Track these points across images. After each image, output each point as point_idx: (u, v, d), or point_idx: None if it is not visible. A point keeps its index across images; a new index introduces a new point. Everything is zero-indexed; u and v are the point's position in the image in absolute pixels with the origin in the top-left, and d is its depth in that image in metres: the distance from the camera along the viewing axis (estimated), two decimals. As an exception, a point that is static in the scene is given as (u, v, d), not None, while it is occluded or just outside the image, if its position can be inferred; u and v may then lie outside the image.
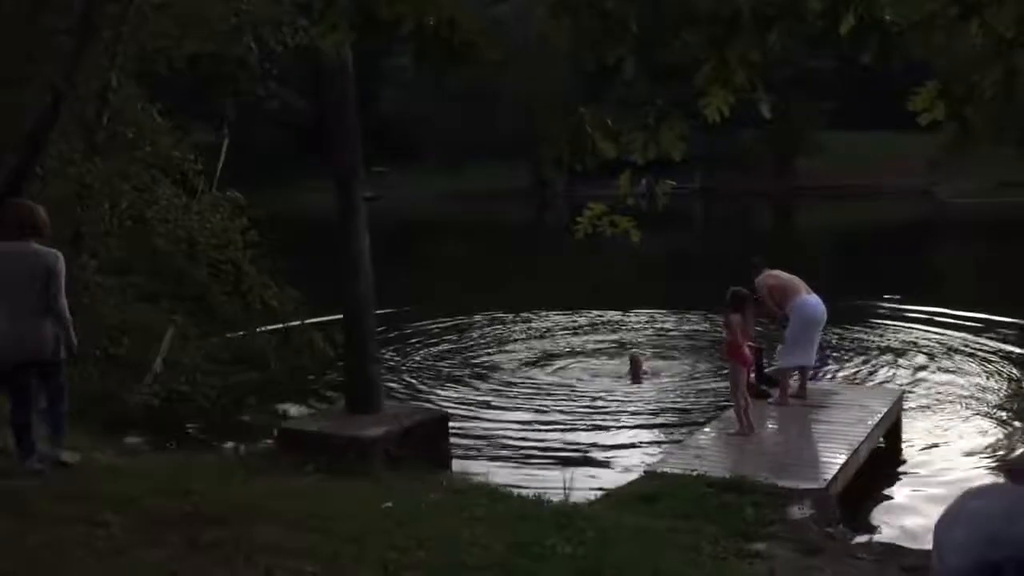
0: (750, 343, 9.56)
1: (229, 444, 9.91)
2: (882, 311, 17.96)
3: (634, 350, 13.23)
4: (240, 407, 11.76)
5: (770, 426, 9.67)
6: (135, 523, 5.48)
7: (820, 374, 12.16)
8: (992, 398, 12.08)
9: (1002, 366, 13.73)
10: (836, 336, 14.80)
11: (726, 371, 10.23)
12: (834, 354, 14.04)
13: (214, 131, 13.19)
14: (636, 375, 12.61)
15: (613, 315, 18.99)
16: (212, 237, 12.08)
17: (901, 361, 14.07)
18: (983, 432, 10.73)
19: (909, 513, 8.32)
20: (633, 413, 11.36)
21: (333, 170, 8.23)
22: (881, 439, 9.73)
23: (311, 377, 13.17)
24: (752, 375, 10.17)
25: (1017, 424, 11.08)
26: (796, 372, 10.44)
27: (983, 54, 3.10)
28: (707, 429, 9.78)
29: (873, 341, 15.43)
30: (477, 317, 18.60)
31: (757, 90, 3.33)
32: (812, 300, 10.48)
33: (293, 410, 11.50)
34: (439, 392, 12.52)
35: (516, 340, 16.34)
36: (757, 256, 10.66)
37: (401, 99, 62.57)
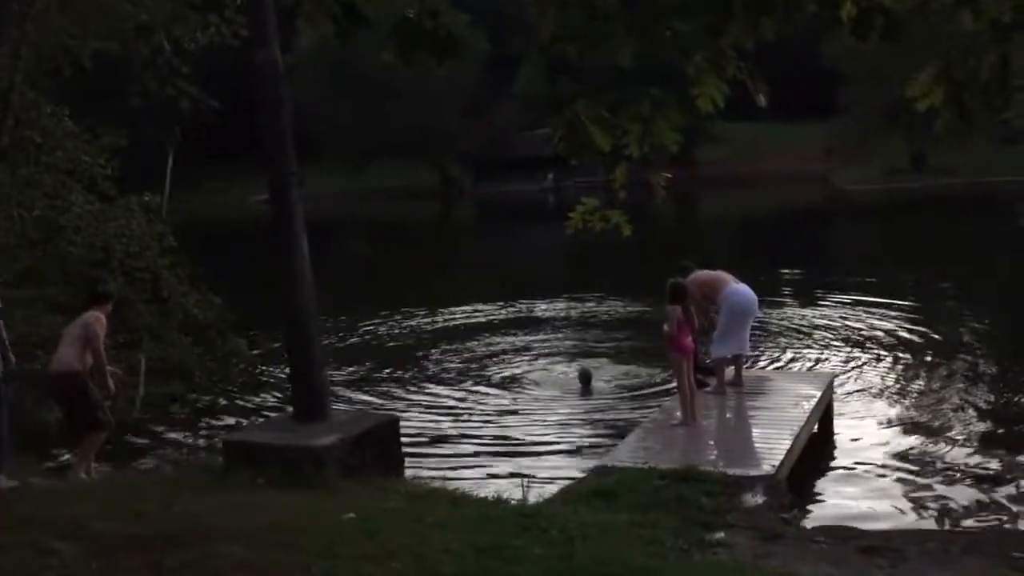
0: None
1: (162, 460, 9.50)
2: (792, 295, 18.42)
3: (583, 364, 13.03)
4: (168, 420, 11.31)
5: (710, 415, 9.74)
6: (86, 550, 5.17)
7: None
8: (909, 374, 12.50)
9: (912, 343, 14.24)
10: (759, 323, 15.09)
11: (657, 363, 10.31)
12: (760, 341, 14.32)
13: (125, 134, 12.59)
14: (587, 391, 12.33)
15: (539, 304, 19.10)
16: (128, 244, 11.58)
17: (821, 344, 14.43)
18: (904, 409, 11.07)
19: (851, 494, 8.50)
20: (575, 409, 11.35)
21: (268, 173, 7.94)
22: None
23: (238, 386, 12.77)
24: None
25: (933, 397, 11.46)
26: (731, 359, 10.58)
27: (979, 39, 3.12)
28: (650, 421, 9.83)
29: (789, 325, 15.79)
30: (400, 317, 18.44)
31: (753, 80, 3.29)
32: (741, 289, 10.64)
33: (227, 421, 11.12)
34: (379, 395, 12.30)
35: (447, 338, 16.21)
36: (686, 259, 10.74)
37: (300, 98, 61.53)
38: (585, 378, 12.30)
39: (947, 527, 7.45)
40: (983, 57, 3.09)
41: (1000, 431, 10.14)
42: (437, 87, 60.27)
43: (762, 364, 13.09)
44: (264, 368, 13.64)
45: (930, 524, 7.63)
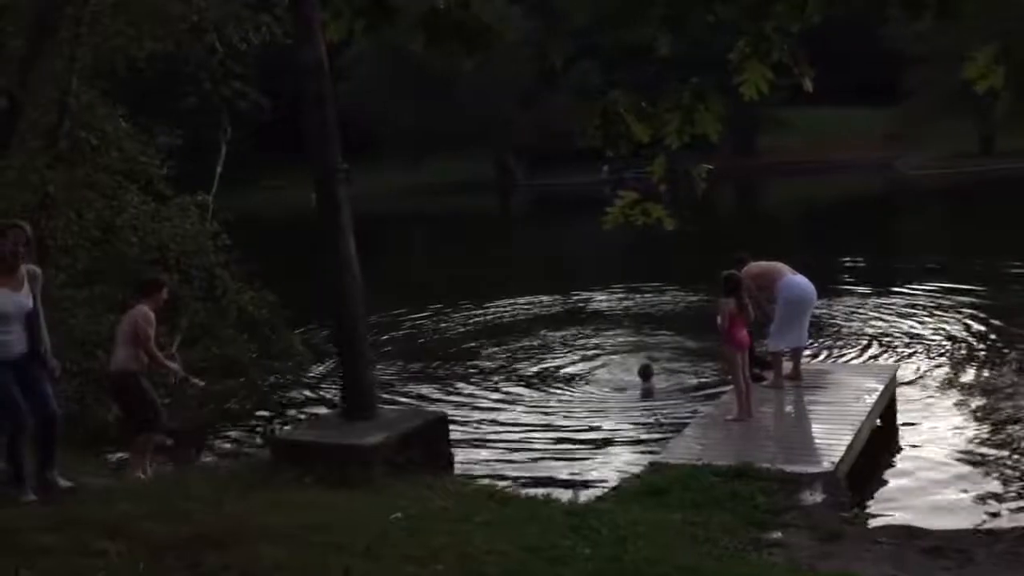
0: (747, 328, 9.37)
1: (218, 457, 9.57)
2: (853, 284, 17.94)
3: (645, 361, 12.56)
4: (224, 417, 11.41)
5: (768, 410, 9.50)
6: (134, 550, 5.17)
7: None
8: (975, 366, 12.09)
9: (978, 333, 13.78)
10: (818, 315, 14.74)
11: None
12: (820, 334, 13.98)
13: (181, 134, 12.77)
14: (648, 389, 11.92)
15: (595, 296, 18.95)
16: (183, 243, 11.71)
17: (883, 335, 14.03)
18: (972, 402, 10.70)
19: (916, 492, 8.23)
20: (631, 404, 11.18)
21: (314, 169, 7.92)
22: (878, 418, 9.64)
23: (293, 383, 12.85)
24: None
25: (1001, 391, 11.06)
26: (789, 353, 10.31)
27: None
28: (705, 416, 9.63)
29: (850, 317, 15.40)
30: (453, 311, 18.40)
31: (798, 64, 3.12)
32: (798, 280, 10.36)
33: (280, 418, 11.18)
34: (429, 392, 12.26)
35: (500, 332, 16.11)
36: (741, 251, 10.48)
37: (356, 95, 61.94)
38: (646, 374, 11.98)
39: (1017, 528, 7.13)
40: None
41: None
42: (493, 79, 60.17)
43: (822, 357, 12.76)
44: (318, 364, 13.69)
45: (999, 524, 7.31)
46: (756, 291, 10.05)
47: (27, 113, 10.06)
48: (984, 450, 9.14)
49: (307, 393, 12.62)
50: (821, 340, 13.38)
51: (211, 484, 6.64)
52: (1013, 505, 7.76)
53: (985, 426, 9.87)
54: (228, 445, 10.44)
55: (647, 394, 11.54)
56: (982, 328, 14.14)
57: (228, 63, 13.51)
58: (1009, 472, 8.53)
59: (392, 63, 60.58)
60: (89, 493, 6.35)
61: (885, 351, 13.18)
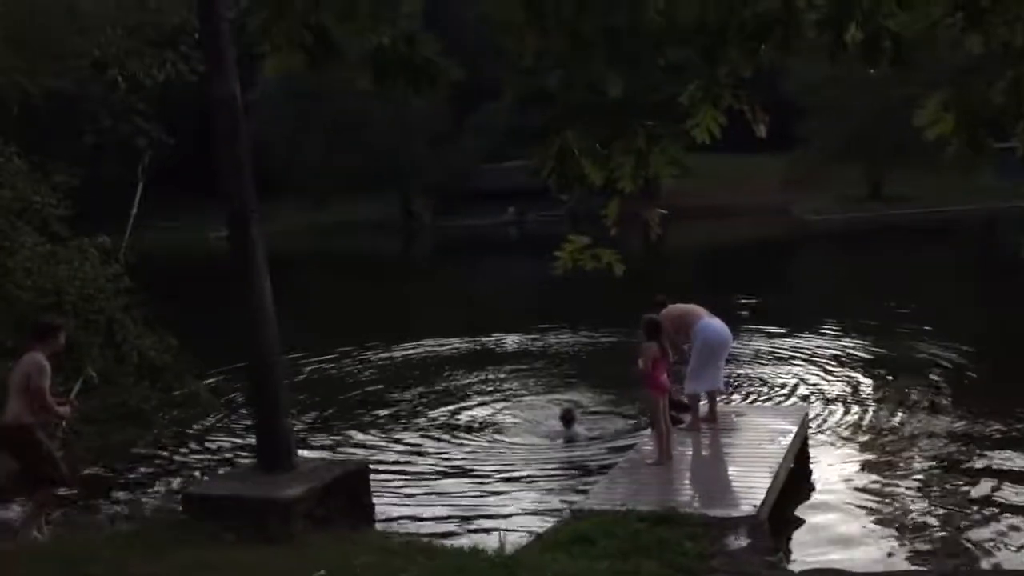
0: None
1: (119, 513, 9.06)
2: (758, 326, 18.27)
3: (567, 406, 12.25)
4: (124, 469, 10.84)
5: (687, 452, 9.52)
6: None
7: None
8: (881, 405, 12.38)
9: (880, 372, 14.17)
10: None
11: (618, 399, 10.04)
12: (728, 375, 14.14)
13: (78, 173, 12.20)
14: (571, 434, 11.59)
15: (506, 339, 18.86)
16: (81, 286, 11.16)
17: (790, 376, 14.29)
18: (878, 441, 10.92)
19: (833, 533, 8.29)
20: (548, 450, 11.03)
21: (227, 210, 7.65)
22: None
23: (200, 432, 12.32)
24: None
25: (907, 428, 11.33)
26: (705, 395, 10.38)
27: (987, 63, 2.95)
28: (625, 461, 9.58)
29: (757, 357, 15.65)
30: (360, 354, 18.06)
31: (753, 110, 3.09)
32: (714, 323, 10.48)
33: (187, 470, 10.68)
34: (339, 440, 11.89)
35: (411, 376, 15.85)
36: (660, 294, 10.56)
37: (262, 133, 61.10)
38: (568, 418, 11.69)
39: (935, 566, 7.24)
40: (994, 83, 2.93)
41: (975, 458, 10.02)
42: (399, 120, 60.19)
43: (734, 398, 12.89)
44: (225, 413, 13.19)
45: (916, 565, 7.41)
46: (673, 334, 10.10)
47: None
48: (895, 490, 9.29)
49: (216, 443, 12.09)
50: (731, 381, 13.51)
51: (116, 545, 6.24)
52: (927, 543, 7.88)
53: (894, 465, 10.06)
54: (129, 500, 9.89)
55: (570, 439, 11.36)
56: (881, 368, 14.55)
57: (131, 99, 13.07)
58: (920, 511, 8.69)
59: (294, 99, 60.08)
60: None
61: (792, 391, 13.40)
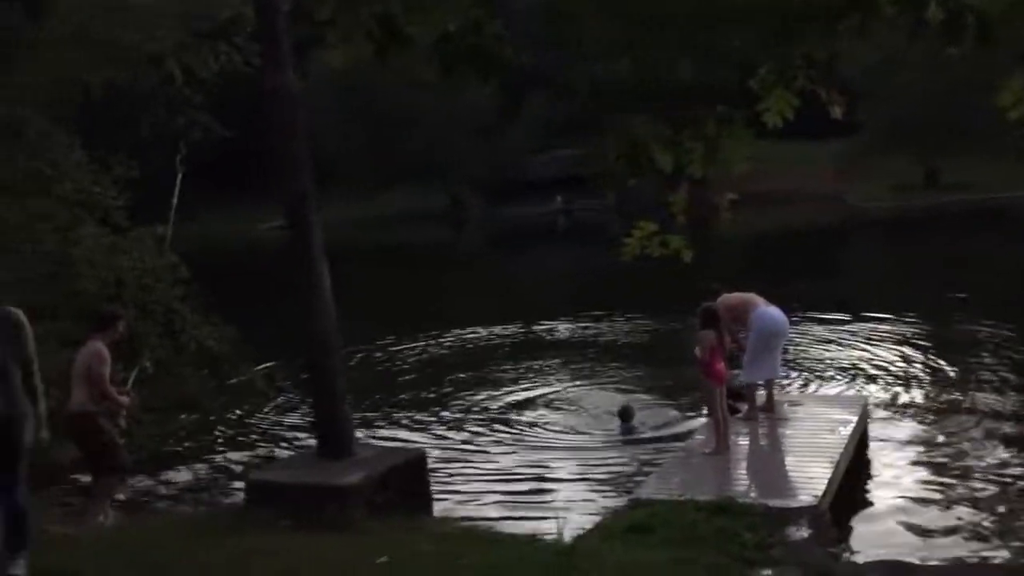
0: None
1: (179, 499, 9.19)
2: (814, 315, 18.02)
3: (625, 403, 11.90)
4: (184, 457, 11.00)
5: (744, 442, 9.42)
6: (106, 606, 4.88)
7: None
8: (943, 395, 12.14)
9: (942, 357, 13.90)
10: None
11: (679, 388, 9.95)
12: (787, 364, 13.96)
13: (136, 165, 12.39)
14: (629, 429, 11.43)
15: (560, 325, 18.81)
16: (140, 276, 11.35)
17: (849, 366, 14.08)
18: (941, 431, 10.71)
19: (896, 525, 8.14)
20: (605, 440, 10.97)
21: (285, 200, 7.71)
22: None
23: (257, 421, 12.47)
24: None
25: (971, 416, 11.11)
26: (763, 384, 10.26)
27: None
28: (681, 450, 9.51)
29: (814, 347, 15.45)
30: (414, 345, 18.13)
31: (829, 91, 3.02)
32: (771, 311, 10.34)
33: (245, 458, 10.80)
34: (394, 429, 11.96)
35: (465, 366, 15.85)
36: (715, 282, 10.43)
37: (310, 125, 61.42)
38: (626, 415, 11.49)
39: (1004, 562, 7.09)
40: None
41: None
42: (447, 110, 60.16)
43: (791, 388, 12.73)
44: (282, 402, 13.33)
45: (984, 557, 7.26)
46: (731, 322, 9.99)
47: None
48: (960, 478, 9.12)
49: (273, 430, 12.24)
50: (789, 370, 13.34)
51: (181, 532, 6.33)
52: (994, 535, 7.71)
53: (959, 453, 9.87)
54: (189, 487, 10.04)
55: (627, 434, 11.21)
56: (940, 353, 14.30)
57: (186, 91, 13.23)
58: (987, 500, 8.51)
59: (342, 92, 60.41)
60: (53, 544, 5.99)
61: (851, 380, 13.20)
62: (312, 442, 8.74)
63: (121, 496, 9.02)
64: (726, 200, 3.43)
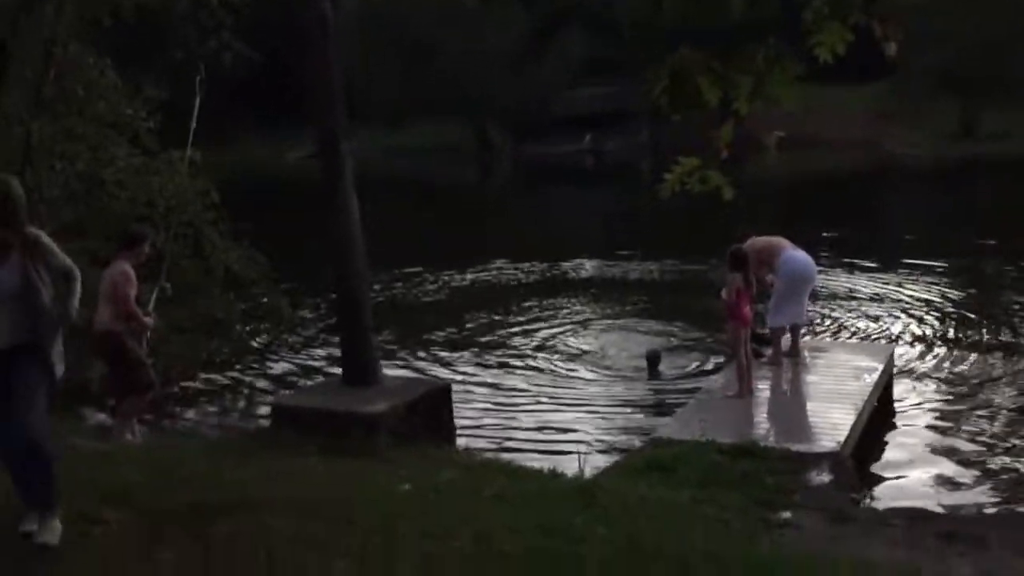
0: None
1: (205, 420, 9.33)
2: (843, 262, 17.87)
3: (652, 347, 11.82)
4: (210, 379, 11.14)
5: (767, 387, 9.40)
6: (135, 519, 4.96)
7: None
8: (970, 345, 12.06)
9: (969, 311, 13.78)
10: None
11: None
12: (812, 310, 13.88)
13: (167, 87, 12.31)
14: (655, 373, 11.36)
15: (586, 263, 18.76)
16: (170, 199, 11.35)
17: (876, 312, 13.98)
18: (967, 382, 10.64)
19: (919, 473, 8.17)
20: (625, 382, 10.98)
21: (317, 131, 7.66)
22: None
23: (282, 346, 12.58)
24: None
25: (996, 368, 11.03)
26: (788, 329, 10.20)
27: None
28: (704, 392, 9.51)
29: (842, 293, 15.32)
30: (439, 279, 18.15)
31: (886, 25, 2.91)
32: (799, 255, 10.25)
33: (269, 383, 10.93)
34: (417, 360, 12.02)
35: (489, 302, 15.86)
36: (743, 224, 10.32)
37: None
38: (653, 359, 11.43)
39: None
40: None
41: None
42: (477, 45, 59.41)
43: (819, 335, 12.66)
44: (306, 328, 13.43)
45: (1007, 507, 7.26)
46: (758, 265, 9.90)
47: (16, 59, 9.65)
48: (982, 431, 9.10)
49: (298, 357, 12.36)
50: (816, 316, 13.26)
51: (208, 451, 6.42)
52: (1017, 484, 7.70)
53: (981, 406, 9.82)
54: (216, 408, 10.19)
55: (654, 378, 11.16)
56: (968, 307, 14.17)
57: (219, 13, 13.08)
58: (1008, 453, 8.49)
59: (371, 22, 59.79)
60: (81, 458, 6.09)
61: (879, 328, 13.11)
62: (337, 370, 8.82)
63: (148, 416, 9.13)
64: (774, 137, 3.34)
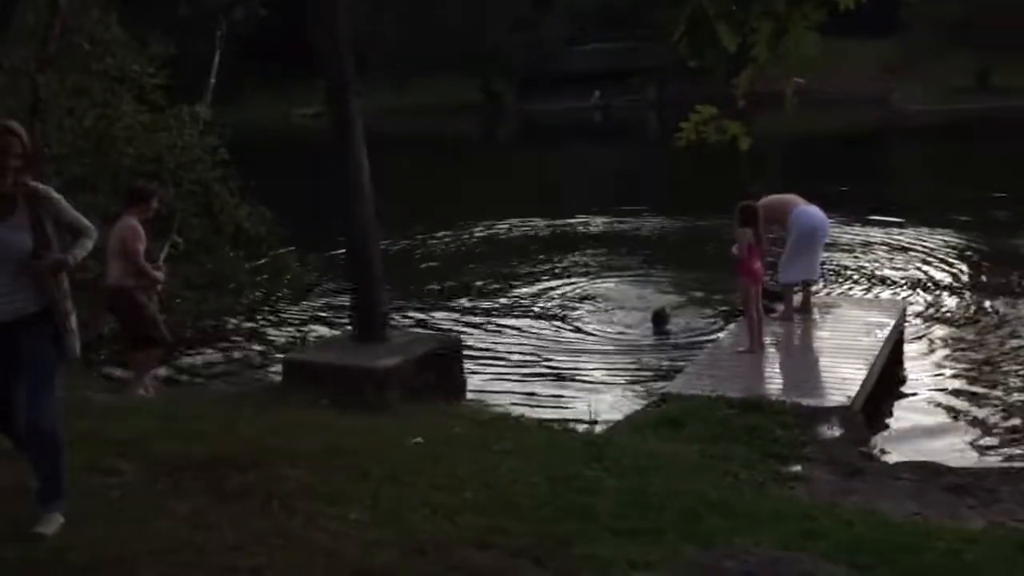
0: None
1: (217, 374, 9.37)
2: (853, 218, 17.77)
3: (660, 307, 11.64)
4: (219, 335, 11.17)
5: (779, 342, 9.39)
6: (150, 471, 5.00)
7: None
8: (982, 303, 11.99)
9: (981, 268, 13.74)
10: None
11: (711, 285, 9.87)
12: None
13: (174, 43, 12.22)
14: (663, 333, 11.21)
15: (595, 219, 18.72)
16: (180, 155, 11.32)
17: (888, 269, 13.94)
18: (978, 339, 10.62)
19: (929, 428, 8.19)
20: (634, 340, 10.97)
21: (325, 83, 7.59)
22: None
23: (290, 303, 12.60)
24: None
25: (1006, 327, 11.00)
26: (800, 285, 10.17)
27: None
28: (714, 347, 9.51)
29: (854, 250, 15.26)
30: (450, 236, 18.12)
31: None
32: (811, 210, 10.20)
33: (279, 338, 10.96)
34: (428, 316, 12.03)
35: (499, 257, 15.86)
36: (754, 184, 10.24)
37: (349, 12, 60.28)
38: (660, 319, 11.32)
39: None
40: None
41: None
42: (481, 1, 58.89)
43: (831, 291, 12.63)
44: (317, 286, 13.44)
45: (1018, 463, 7.26)
46: (769, 223, 9.86)
47: (20, 9, 9.57)
48: (992, 387, 9.09)
49: (308, 313, 12.39)
50: (828, 272, 13.21)
51: (222, 405, 6.46)
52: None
53: (991, 363, 9.81)
54: (228, 363, 10.23)
55: (661, 336, 11.06)
56: (979, 263, 14.14)
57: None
58: (1017, 408, 8.48)
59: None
60: (95, 412, 6.12)
61: (889, 285, 13.07)
62: (347, 326, 8.84)
63: (160, 371, 9.18)
64: (793, 85, 3.29)
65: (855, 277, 13.51)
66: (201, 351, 10.42)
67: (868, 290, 12.87)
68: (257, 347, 10.96)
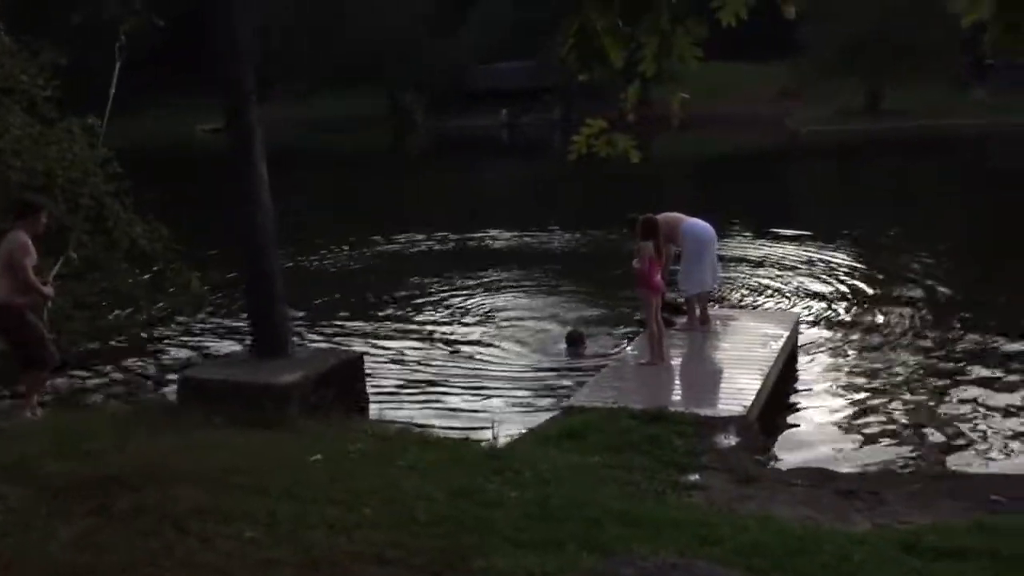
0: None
1: (111, 395, 9.08)
2: (748, 235, 18.31)
3: (573, 329, 11.35)
4: (114, 354, 10.84)
5: (679, 354, 9.59)
6: (35, 494, 4.82)
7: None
8: (870, 314, 12.43)
9: (872, 281, 14.26)
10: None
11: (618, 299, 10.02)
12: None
13: (62, 52, 11.81)
14: (577, 352, 10.87)
15: (501, 235, 18.80)
16: (70, 168, 10.94)
17: (781, 283, 14.34)
18: (867, 349, 10.99)
19: (822, 436, 8.40)
20: (540, 350, 11.04)
21: (223, 95, 7.46)
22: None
23: (190, 320, 12.30)
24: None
25: (895, 336, 11.42)
26: (697, 297, 10.42)
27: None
28: (617, 360, 9.65)
29: (749, 265, 15.67)
30: (352, 251, 17.99)
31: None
32: (698, 221, 10.61)
33: (176, 356, 10.68)
34: (330, 332, 11.88)
35: (402, 272, 15.81)
36: (632, 213, 10.18)
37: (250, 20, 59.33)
38: (574, 340, 10.99)
39: (921, 469, 7.38)
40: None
41: (959, 364, 10.14)
42: (391, 12, 58.72)
43: (727, 303, 12.94)
44: (215, 302, 13.15)
45: (902, 467, 7.55)
46: (664, 240, 10.08)
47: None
48: (882, 394, 9.40)
49: (207, 329, 12.10)
50: (723, 287, 13.53)
51: (113, 424, 6.26)
52: (915, 448, 8.00)
53: (881, 371, 10.14)
54: (122, 382, 9.92)
55: (574, 358, 10.72)
56: (869, 277, 14.65)
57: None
58: (907, 415, 8.81)
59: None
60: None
61: (784, 298, 13.46)
62: (246, 343, 8.67)
63: (50, 392, 8.86)
64: (678, 96, 3.37)
65: (752, 290, 13.86)
66: (95, 369, 10.08)
67: (764, 303, 13.21)
68: (154, 365, 10.67)
